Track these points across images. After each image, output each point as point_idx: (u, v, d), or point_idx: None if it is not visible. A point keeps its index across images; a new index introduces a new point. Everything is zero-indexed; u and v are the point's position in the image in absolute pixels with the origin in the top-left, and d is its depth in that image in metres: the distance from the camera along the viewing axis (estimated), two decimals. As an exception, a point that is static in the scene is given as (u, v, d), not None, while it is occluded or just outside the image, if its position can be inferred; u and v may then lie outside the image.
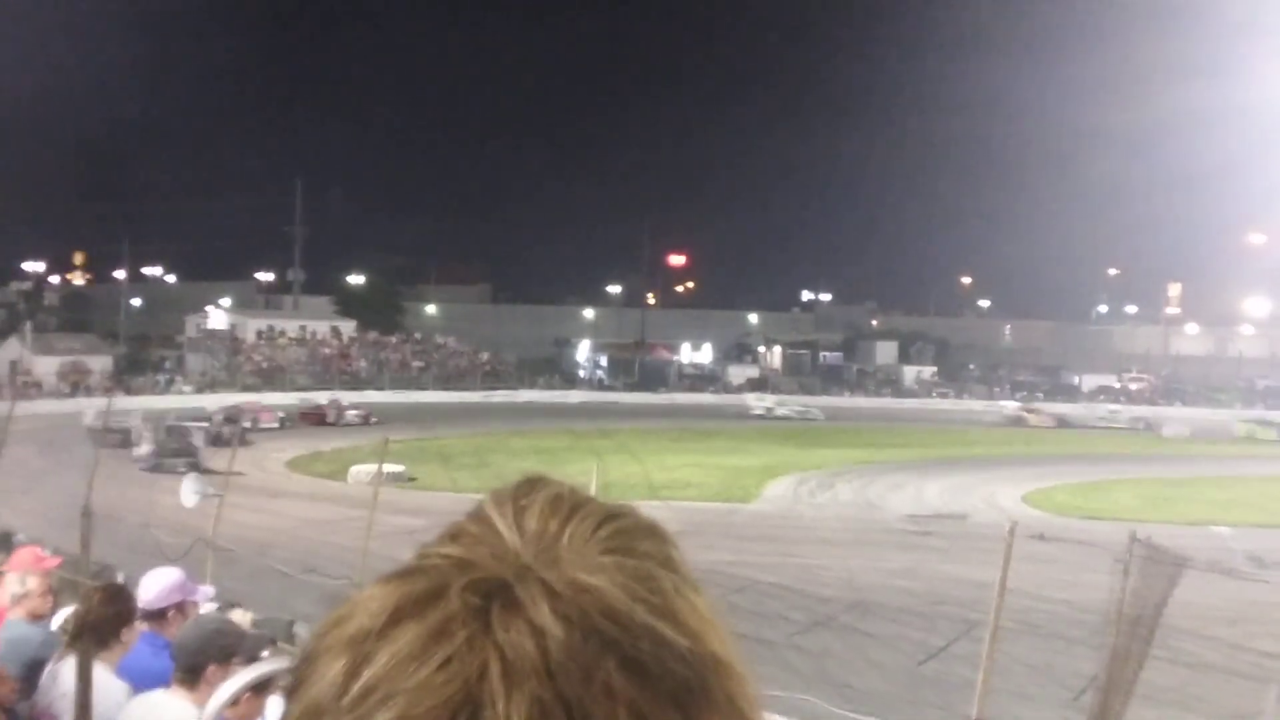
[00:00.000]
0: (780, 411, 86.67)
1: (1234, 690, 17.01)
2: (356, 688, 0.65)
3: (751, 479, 44.63)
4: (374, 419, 71.67)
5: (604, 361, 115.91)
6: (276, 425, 63.17)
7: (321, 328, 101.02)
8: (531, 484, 0.81)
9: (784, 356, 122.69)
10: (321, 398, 77.31)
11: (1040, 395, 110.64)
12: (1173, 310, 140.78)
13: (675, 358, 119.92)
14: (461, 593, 0.68)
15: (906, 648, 18.93)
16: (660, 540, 0.78)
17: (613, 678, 0.64)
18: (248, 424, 51.63)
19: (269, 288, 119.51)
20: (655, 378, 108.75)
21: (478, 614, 0.66)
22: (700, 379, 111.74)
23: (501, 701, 0.63)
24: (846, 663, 17.84)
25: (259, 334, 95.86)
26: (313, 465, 47.00)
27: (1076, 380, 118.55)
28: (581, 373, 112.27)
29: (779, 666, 17.19)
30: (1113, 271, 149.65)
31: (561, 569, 0.71)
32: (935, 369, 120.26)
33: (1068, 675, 15.74)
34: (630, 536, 0.76)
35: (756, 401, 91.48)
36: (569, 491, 0.80)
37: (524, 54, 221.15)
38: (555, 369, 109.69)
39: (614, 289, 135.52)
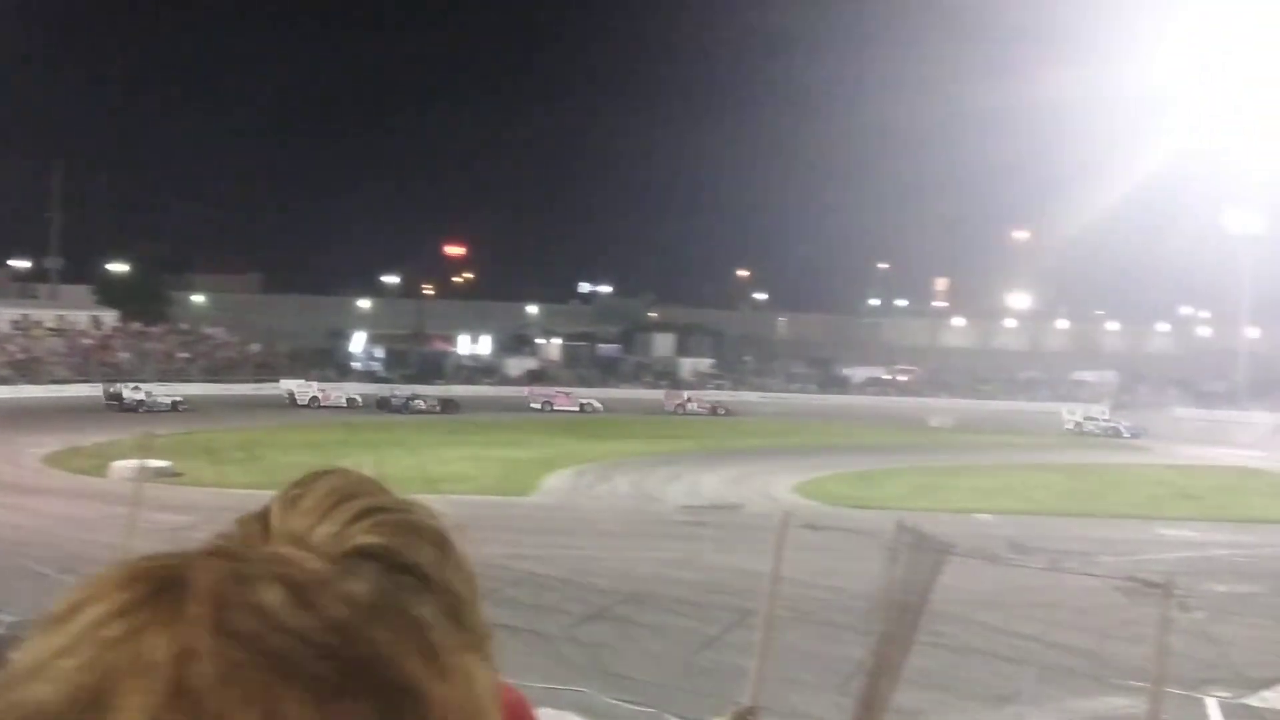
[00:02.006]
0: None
1: (995, 672, 17.51)
2: (15, 670, 0.64)
3: (530, 471, 44.44)
4: (183, 404, 73.70)
5: (380, 353, 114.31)
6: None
7: (81, 318, 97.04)
8: (317, 475, 0.80)
9: (562, 348, 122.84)
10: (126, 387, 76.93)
11: (814, 387, 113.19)
12: (940, 304, 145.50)
13: (453, 349, 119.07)
14: (133, 582, 0.66)
15: (682, 637, 19.00)
16: (420, 539, 0.76)
17: (251, 679, 0.61)
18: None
19: (24, 275, 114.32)
20: (433, 369, 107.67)
21: (140, 606, 0.64)
22: (478, 371, 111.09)
23: (124, 697, 0.61)
24: (622, 654, 17.81)
25: (13, 324, 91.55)
26: (71, 461, 45.04)
27: (848, 372, 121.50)
28: (357, 364, 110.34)
29: (555, 659, 17.06)
30: (883, 266, 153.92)
31: (276, 562, 0.69)
32: (713, 361, 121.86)
33: (838, 661, 15.96)
34: (391, 531, 0.75)
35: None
36: (351, 483, 0.79)
37: (299, 42, 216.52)
38: (330, 361, 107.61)
39: (391, 279, 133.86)
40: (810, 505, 37.41)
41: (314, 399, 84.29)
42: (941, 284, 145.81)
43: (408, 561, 0.73)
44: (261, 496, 0.74)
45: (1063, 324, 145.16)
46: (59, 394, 77.26)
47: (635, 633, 19.28)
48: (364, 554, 0.72)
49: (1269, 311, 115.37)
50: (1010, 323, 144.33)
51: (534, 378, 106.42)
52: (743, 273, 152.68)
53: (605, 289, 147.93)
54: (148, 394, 74.16)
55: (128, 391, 74.40)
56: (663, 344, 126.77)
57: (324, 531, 0.74)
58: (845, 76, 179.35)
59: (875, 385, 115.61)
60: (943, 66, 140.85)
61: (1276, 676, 17.80)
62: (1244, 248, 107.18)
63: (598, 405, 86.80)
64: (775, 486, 42.44)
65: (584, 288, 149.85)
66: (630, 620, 20.14)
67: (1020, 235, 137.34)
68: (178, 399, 74.67)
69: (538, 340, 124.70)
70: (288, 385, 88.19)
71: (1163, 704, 10.23)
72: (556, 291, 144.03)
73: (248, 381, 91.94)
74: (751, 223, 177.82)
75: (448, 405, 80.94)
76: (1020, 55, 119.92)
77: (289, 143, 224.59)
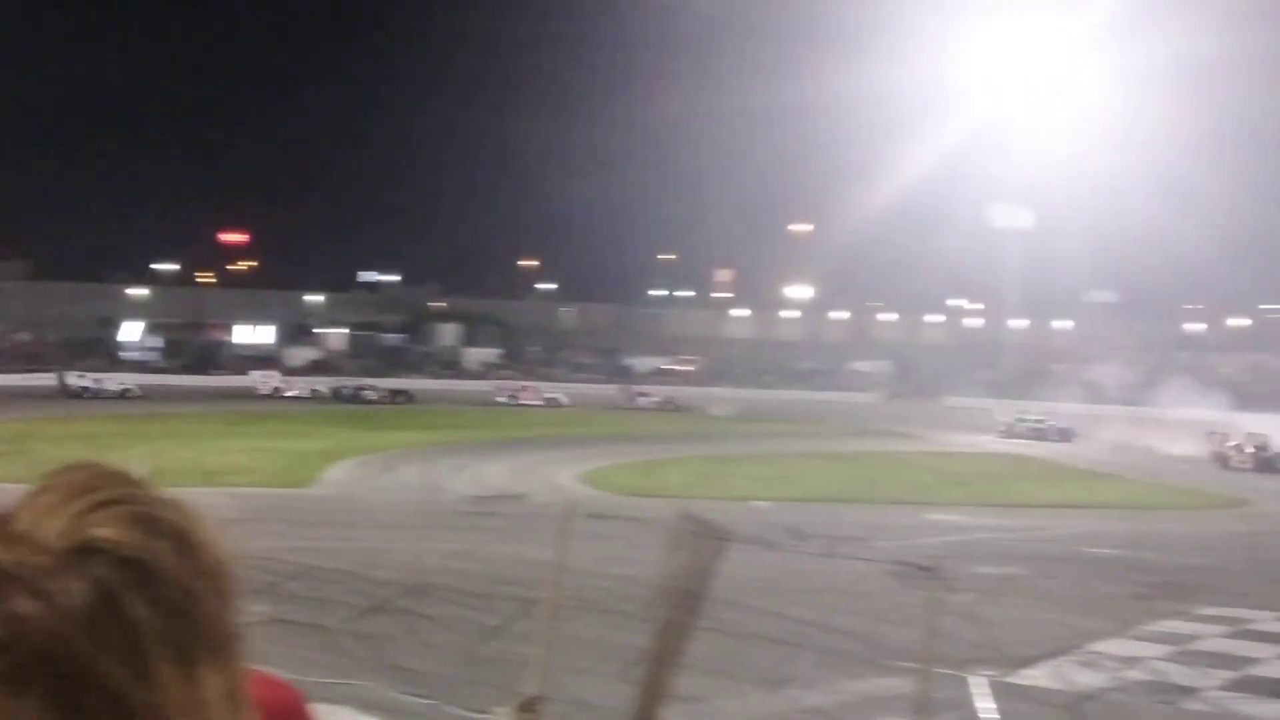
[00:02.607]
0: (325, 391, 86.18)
1: (773, 656, 17.88)
2: None
3: (311, 463, 43.68)
4: (132, 391, 78.56)
5: (156, 343, 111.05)
6: None
7: None
8: (65, 469, 0.78)
9: (347, 338, 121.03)
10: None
11: (601, 377, 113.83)
12: (723, 295, 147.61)
13: (231, 339, 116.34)
14: None
15: (465, 629, 18.92)
16: (155, 533, 0.74)
17: None
18: None
19: None
20: (211, 360, 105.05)
21: None
22: (259, 360, 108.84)
23: None
24: (405, 646, 17.65)
25: None
26: None
27: (633, 362, 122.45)
28: (131, 354, 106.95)
29: (336, 653, 16.84)
30: (668, 257, 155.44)
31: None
32: (500, 351, 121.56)
33: (621, 649, 16.10)
34: (124, 525, 0.72)
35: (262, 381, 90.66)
36: (96, 475, 0.77)
37: (68, 23, 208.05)
38: (101, 350, 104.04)
39: (168, 267, 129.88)
40: (594, 494, 37.68)
41: (276, 389, 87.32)
42: (724, 275, 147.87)
43: (137, 556, 0.71)
44: (19, 491, 0.74)
45: (840, 315, 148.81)
46: None
47: (418, 625, 19.14)
48: (92, 548, 0.70)
49: (1035, 303, 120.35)
50: (790, 314, 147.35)
51: (317, 367, 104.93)
52: (529, 263, 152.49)
53: (390, 278, 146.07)
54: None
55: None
56: (449, 334, 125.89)
57: (55, 525, 0.71)
58: (630, 68, 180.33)
59: (659, 375, 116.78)
60: (727, 61, 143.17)
61: (1038, 655, 18.59)
62: (1011, 242, 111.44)
63: (564, 399, 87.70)
64: (560, 476, 42.58)
65: (369, 277, 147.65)
66: (413, 612, 19.98)
67: (800, 228, 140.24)
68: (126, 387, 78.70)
69: (320, 330, 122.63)
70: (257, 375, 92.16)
71: (931, 684, 10.62)
72: (341, 280, 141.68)
73: (16, 371, 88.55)
74: (538, 213, 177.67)
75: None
76: (801, 51, 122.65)
77: (59, 126, 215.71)
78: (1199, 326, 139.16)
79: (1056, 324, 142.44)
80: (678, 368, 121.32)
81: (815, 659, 16.85)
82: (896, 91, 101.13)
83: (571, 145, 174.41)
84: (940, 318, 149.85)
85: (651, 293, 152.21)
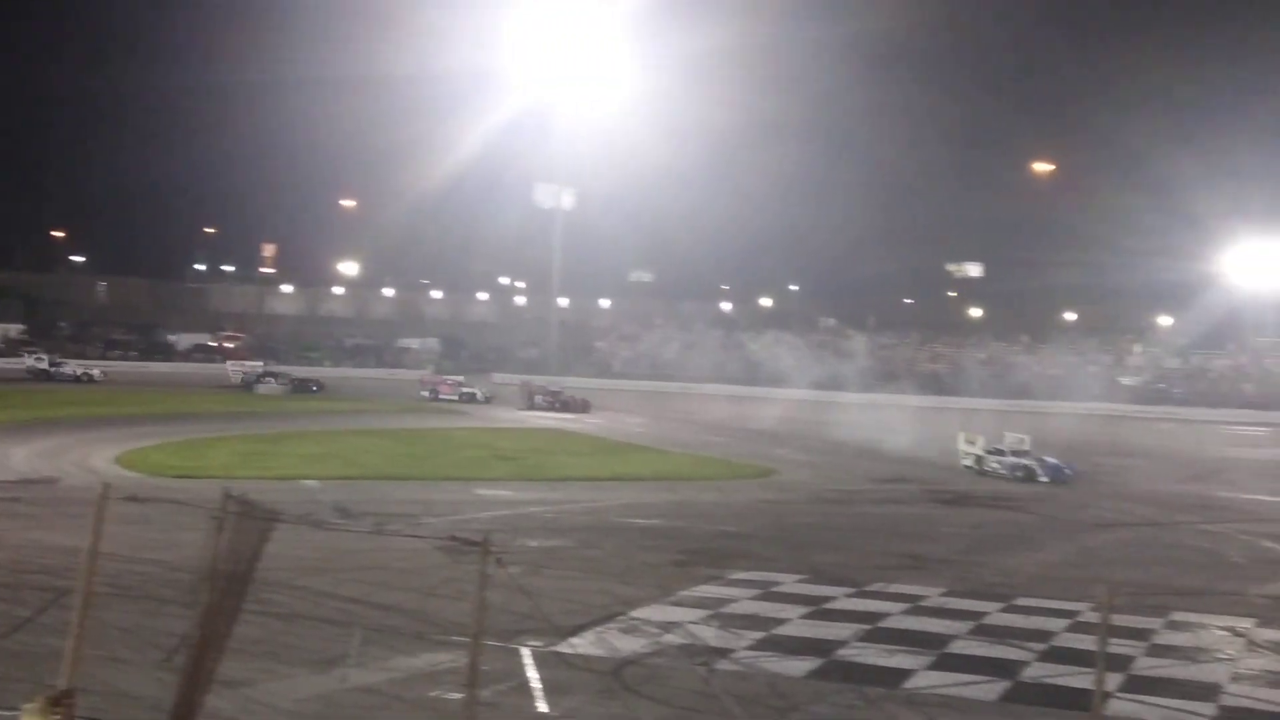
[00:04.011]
0: None
1: (323, 636, 17.66)
2: None
3: None
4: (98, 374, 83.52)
5: None
6: None
7: None
8: None
9: None
10: None
11: (135, 354, 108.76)
12: (268, 270, 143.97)
13: None
14: None
15: (-11, 622, 17.69)
16: None
17: None
18: None
19: None
20: None
21: None
22: None
23: None
24: (-81, 645, 16.31)
25: None
26: None
27: (174, 339, 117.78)
28: None
29: None
30: (210, 231, 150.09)
31: None
32: (24, 327, 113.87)
33: (162, 635, 15.50)
34: None
35: None
36: None
37: None
38: None
39: None
40: (133, 477, 36.04)
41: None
42: (269, 250, 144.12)
43: None
44: None
45: (389, 292, 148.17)
46: None
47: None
48: None
49: (577, 282, 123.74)
50: (338, 290, 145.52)
51: None
52: (58, 234, 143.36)
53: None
54: None
55: None
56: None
57: None
58: (175, 33, 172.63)
59: (202, 352, 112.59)
60: (272, 31, 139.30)
61: (583, 624, 19.16)
62: (555, 221, 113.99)
63: (479, 394, 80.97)
64: (95, 458, 40.41)
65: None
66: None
67: (348, 204, 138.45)
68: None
69: None
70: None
71: (481, 656, 10.74)
72: None
73: None
74: (68, 182, 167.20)
75: None
76: (349, 25, 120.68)
77: None
78: (729, 306, 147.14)
79: (600, 302, 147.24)
80: (221, 344, 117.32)
81: (365, 637, 16.72)
82: (445, 71, 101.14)
83: (109, 112, 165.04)
84: (488, 296, 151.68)
85: (194, 267, 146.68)
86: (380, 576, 21.98)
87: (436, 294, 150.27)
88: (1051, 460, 45.53)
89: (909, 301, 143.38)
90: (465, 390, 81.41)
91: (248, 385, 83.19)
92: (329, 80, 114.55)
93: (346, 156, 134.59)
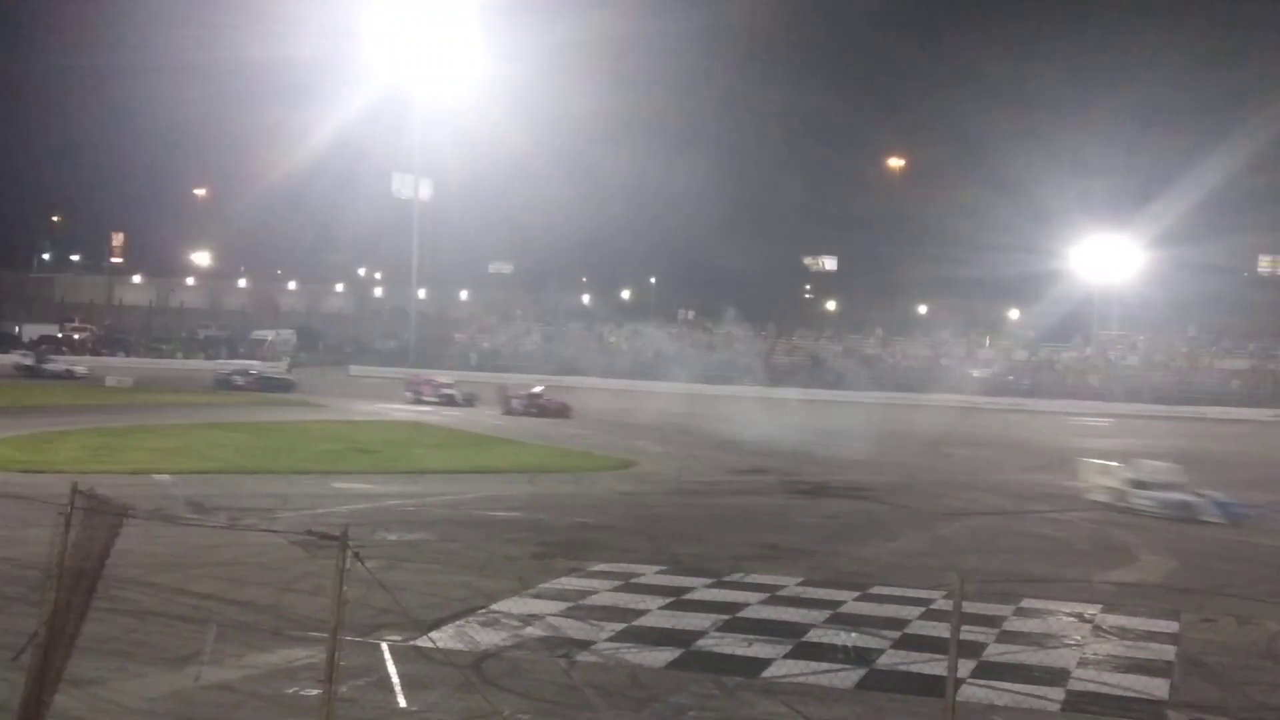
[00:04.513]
0: None
1: (176, 633, 17.33)
2: None
3: None
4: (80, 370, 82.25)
5: None
6: None
7: None
8: None
9: None
10: None
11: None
12: (117, 260, 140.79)
13: None
14: None
15: None
16: None
17: None
18: None
19: None
20: None
21: None
22: None
23: None
24: None
25: None
26: None
27: (17, 330, 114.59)
28: None
29: None
30: (56, 219, 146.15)
31: None
32: None
33: (8, 635, 15.08)
34: None
35: None
36: None
37: None
38: None
39: None
40: (-26, 472, 34.96)
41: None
42: (118, 239, 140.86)
43: None
44: None
45: (243, 284, 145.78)
46: None
47: None
48: None
49: (435, 274, 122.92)
50: (191, 281, 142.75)
51: None
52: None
53: None
54: None
55: None
56: None
57: None
58: (16, 21, 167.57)
59: (49, 344, 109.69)
60: (122, 14, 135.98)
61: (443, 618, 19.04)
62: (413, 212, 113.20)
63: (458, 397, 74.82)
64: (-68, 453, 39.12)
65: None
66: None
67: (200, 193, 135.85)
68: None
69: None
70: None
71: (340, 651, 10.62)
72: None
73: None
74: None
75: None
76: (202, 10, 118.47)
77: None
78: (589, 298, 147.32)
79: (459, 294, 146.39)
80: (69, 335, 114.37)
81: (220, 634, 16.43)
82: (301, 58, 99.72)
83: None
84: (345, 287, 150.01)
85: (40, 256, 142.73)
86: (235, 572, 21.63)
87: (292, 285, 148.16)
88: (1218, 496, 35.46)
89: (766, 294, 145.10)
90: (445, 392, 75.43)
91: (222, 384, 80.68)
92: (180, 66, 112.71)
93: (199, 145, 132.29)
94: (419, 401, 73.34)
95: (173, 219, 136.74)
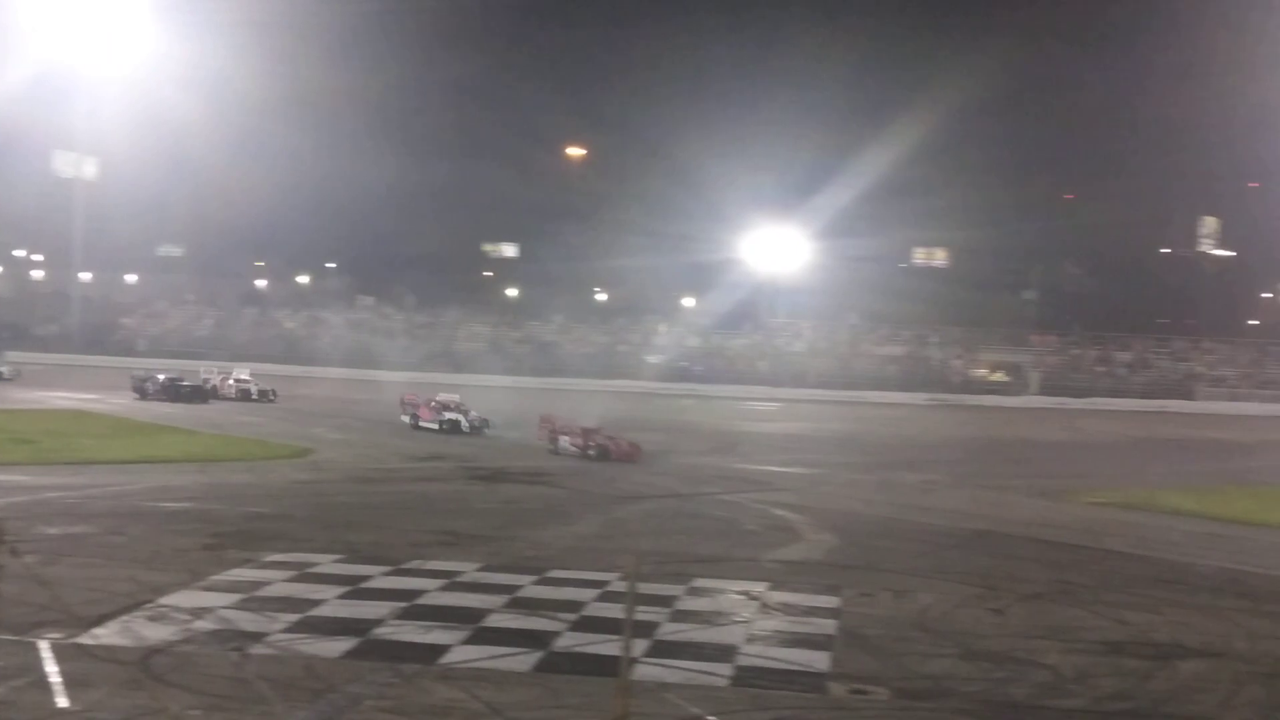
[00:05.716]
0: None
1: None
2: None
3: None
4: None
5: None
6: None
7: None
8: None
9: None
10: None
11: None
12: None
13: None
14: None
15: None
16: None
17: None
18: None
19: None
20: None
21: None
22: None
23: None
24: None
25: None
26: None
27: None
28: None
29: None
30: None
31: None
32: None
33: None
34: None
35: None
36: None
37: None
38: None
39: None
40: None
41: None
42: None
43: None
44: None
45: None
46: None
47: None
48: None
49: (100, 255, 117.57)
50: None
51: None
52: None
53: None
54: None
55: None
56: None
57: None
58: None
59: None
60: None
61: (107, 613, 18.41)
62: (75, 191, 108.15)
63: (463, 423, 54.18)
64: None
65: None
66: None
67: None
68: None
69: None
70: None
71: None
72: None
73: None
74: None
75: None
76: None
77: None
78: (264, 283, 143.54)
79: (126, 277, 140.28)
80: None
81: None
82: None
83: None
84: (1, 269, 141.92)
85: None
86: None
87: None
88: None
89: (446, 281, 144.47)
90: (449, 416, 54.13)
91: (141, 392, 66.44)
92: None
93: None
94: (417, 428, 55.09)
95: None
